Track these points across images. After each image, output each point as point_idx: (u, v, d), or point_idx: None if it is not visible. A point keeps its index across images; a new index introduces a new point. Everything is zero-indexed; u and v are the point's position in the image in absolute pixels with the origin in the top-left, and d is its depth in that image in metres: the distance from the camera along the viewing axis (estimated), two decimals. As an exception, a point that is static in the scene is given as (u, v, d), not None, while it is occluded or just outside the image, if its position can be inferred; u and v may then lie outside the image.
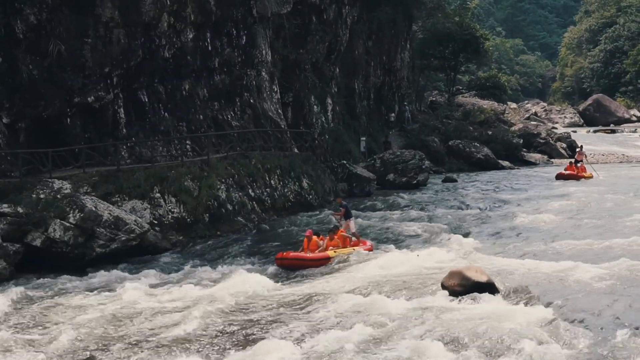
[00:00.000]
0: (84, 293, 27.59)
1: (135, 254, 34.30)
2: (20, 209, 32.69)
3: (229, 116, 49.68)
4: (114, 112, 42.12)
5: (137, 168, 39.56)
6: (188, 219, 38.71)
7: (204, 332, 21.59)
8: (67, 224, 32.75)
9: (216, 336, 21.22)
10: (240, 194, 42.88)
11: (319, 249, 31.82)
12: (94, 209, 33.53)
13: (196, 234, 38.60)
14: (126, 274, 30.91)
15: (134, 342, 20.97)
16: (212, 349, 20.10)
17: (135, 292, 26.92)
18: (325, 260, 31.18)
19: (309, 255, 31.25)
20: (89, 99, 40.21)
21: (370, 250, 33.05)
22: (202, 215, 39.54)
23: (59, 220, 32.73)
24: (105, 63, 40.65)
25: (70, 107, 39.90)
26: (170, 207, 38.21)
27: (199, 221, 39.20)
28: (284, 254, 31.28)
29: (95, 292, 27.87)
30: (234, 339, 20.87)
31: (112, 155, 40.42)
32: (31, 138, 38.66)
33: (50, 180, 35.28)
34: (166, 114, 45.22)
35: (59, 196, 34.00)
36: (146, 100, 44.18)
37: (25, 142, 38.33)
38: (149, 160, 41.21)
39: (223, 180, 42.19)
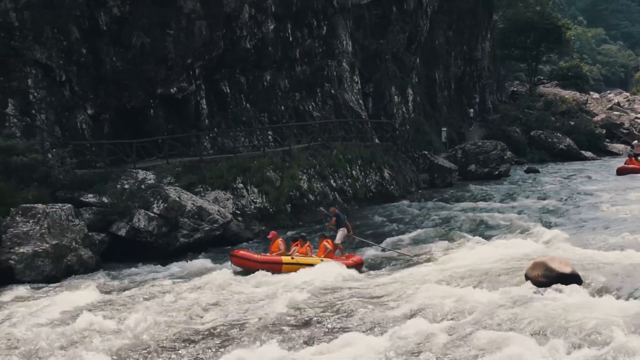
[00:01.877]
0: (168, 282, 27.63)
1: (218, 244, 34.28)
2: (105, 199, 32.96)
3: (310, 107, 49.53)
4: (196, 103, 42.38)
5: (219, 158, 39.75)
6: (270, 209, 38.66)
7: (286, 322, 21.29)
8: (152, 214, 32.93)
9: (298, 326, 20.91)
10: (321, 184, 42.69)
11: (278, 252, 29.32)
12: (177, 199, 33.65)
13: (278, 224, 38.46)
14: (209, 264, 30.80)
15: (216, 331, 20.81)
16: (294, 339, 19.78)
17: (219, 282, 26.74)
18: (276, 265, 28.25)
19: (257, 256, 28.79)
20: (171, 90, 40.61)
21: (350, 265, 28.73)
22: (284, 205, 39.47)
23: (143, 210, 32.98)
24: (187, 54, 40.88)
25: (153, 98, 40.31)
26: (252, 197, 38.20)
27: (281, 211, 39.12)
28: (236, 251, 29.41)
29: (179, 281, 27.89)
30: (315, 330, 20.56)
31: (194, 146, 40.68)
32: (115, 129, 39.16)
33: (134, 170, 35.55)
34: (248, 104, 45.34)
35: (143, 186, 34.28)
36: (228, 91, 44.36)
37: (109, 133, 38.82)
38: (231, 151, 41.30)
39: (305, 170, 42.08)
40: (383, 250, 32.71)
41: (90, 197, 32.89)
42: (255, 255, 28.74)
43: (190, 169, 37.48)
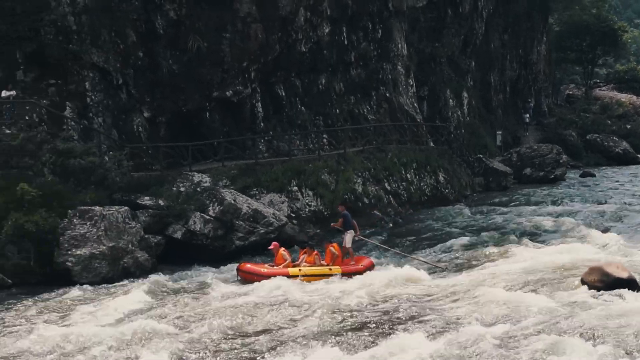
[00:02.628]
0: (223, 284, 27.45)
1: (272, 247, 34.04)
2: (161, 202, 33.01)
3: (365, 110, 49.30)
4: (252, 106, 42.38)
5: (274, 161, 39.67)
6: (325, 212, 38.40)
7: (342, 326, 21.10)
8: (207, 217, 32.87)
9: (353, 330, 20.71)
10: (376, 187, 42.42)
11: (284, 263, 28.20)
12: (233, 202, 33.56)
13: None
14: (264, 266, 30.61)
15: (271, 333, 20.68)
16: (349, 342, 19.57)
17: (274, 284, 26.56)
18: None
19: (264, 270, 27.63)
20: (227, 93, 40.65)
21: (360, 271, 28.08)
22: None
23: (199, 212, 32.91)
24: (243, 57, 40.89)
25: (209, 101, 40.35)
26: (307, 200, 38.04)
27: (336, 214, 38.70)
28: (243, 265, 28.42)
29: (234, 283, 27.79)
30: (371, 334, 20.33)
31: (250, 149, 40.72)
32: (171, 132, 39.26)
33: (190, 173, 35.61)
34: (303, 107, 45.24)
35: (199, 189, 34.27)
36: (283, 94, 44.30)
37: (165, 136, 38.92)
38: (287, 154, 41.22)
39: (359, 173, 41.85)
40: (406, 257, 31.74)
41: (146, 200, 32.96)
42: (262, 270, 27.65)
43: (246, 171, 37.41)
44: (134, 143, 37.00)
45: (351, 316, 21.98)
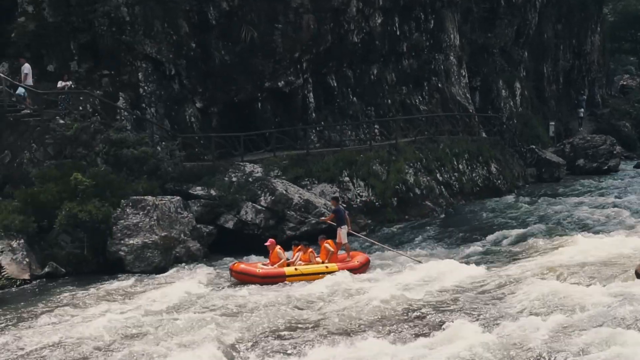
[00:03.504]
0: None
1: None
2: (213, 192, 33.06)
3: (416, 100, 48.94)
4: (304, 97, 42.27)
5: (326, 152, 39.54)
6: (376, 203, 38.23)
7: (395, 317, 20.89)
8: (259, 207, 32.90)
9: (407, 321, 20.49)
10: (428, 178, 42.08)
11: (280, 262, 26.83)
12: (284, 192, 33.54)
13: (384, 218, 38.10)
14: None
15: (324, 323, 20.52)
16: (401, 333, 19.39)
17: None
18: (279, 279, 25.92)
19: (258, 271, 26.24)
20: (279, 83, 40.57)
21: (357, 267, 27.09)
22: (390, 199, 38.97)
23: (250, 202, 32.98)
24: (295, 48, 40.74)
25: (261, 91, 40.31)
26: (358, 191, 37.83)
27: (387, 205, 38.64)
28: (235, 264, 26.88)
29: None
30: (424, 324, 20.11)
31: (301, 139, 40.56)
32: (223, 122, 39.33)
33: (242, 163, 35.66)
34: (354, 98, 45.00)
35: (250, 179, 34.31)
36: (335, 84, 44.09)
37: (217, 126, 38.99)
38: (338, 144, 41.08)
39: (411, 164, 41.53)
40: (389, 250, 31.08)
41: (198, 190, 33.07)
42: (256, 270, 26.25)
43: (297, 162, 37.32)
44: (186, 133, 37.14)
45: (403, 306, 21.73)
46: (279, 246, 27.46)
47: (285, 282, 25.72)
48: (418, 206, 40.30)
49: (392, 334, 19.20)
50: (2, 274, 27.61)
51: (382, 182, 38.92)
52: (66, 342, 19.60)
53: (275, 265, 26.64)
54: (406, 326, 19.88)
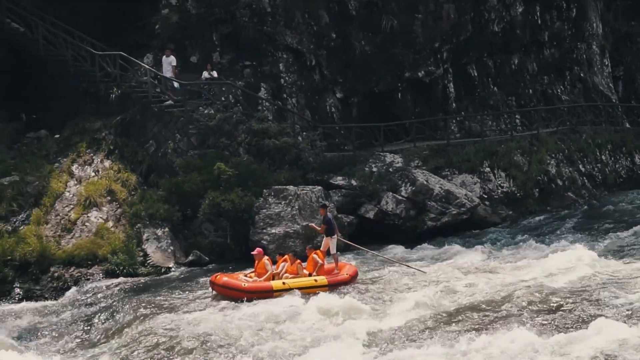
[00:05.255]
0: (415, 264, 27.00)
1: (464, 228, 33.42)
2: (354, 182, 32.83)
3: (558, 90, 47.53)
4: (444, 87, 41.67)
5: (466, 142, 38.85)
6: (518, 194, 37.22)
7: (536, 308, 20.10)
8: (399, 197, 32.49)
9: (548, 312, 19.67)
10: (570, 169, 40.77)
11: (266, 274, 23.95)
12: (425, 182, 33.05)
13: (525, 209, 37.09)
14: (457, 247, 29.95)
15: (466, 313, 20.00)
16: (545, 325, 18.66)
17: (467, 265, 26.11)
18: (266, 293, 23.06)
19: (244, 285, 23.31)
20: (419, 73, 40.09)
21: (346, 280, 24.40)
22: (532, 190, 37.89)
23: (391, 193, 32.59)
24: (435, 38, 40.22)
25: (401, 81, 39.88)
26: (499, 182, 36.92)
27: (529, 196, 37.57)
28: (217, 277, 23.81)
29: (426, 263, 27.28)
30: (566, 316, 19.28)
31: (441, 130, 40.06)
32: (363, 112, 39.01)
33: (382, 153, 35.39)
34: (495, 88, 44.14)
35: (391, 169, 34.00)
36: (475, 74, 43.23)
37: (357, 117, 38.74)
38: (479, 135, 40.26)
39: (553, 155, 40.33)
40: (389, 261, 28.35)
41: (339, 180, 32.89)
42: (241, 284, 23.29)
43: (438, 152, 36.84)
44: (327, 123, 37.09)
45: (545, 298, 20.91)
46: (266, 257, 24.57)
47: (273, 296, 22.94)
48: (560, 197, 39.14)
49: (533, 327, 18.51)
50: (148, 261, 27.97)
51: (523, 173, 37.91)
52: (215, 331, 19.69)
53: (262, 278, 23.84)
54: (548, 318, 19.17)
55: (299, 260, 24.57)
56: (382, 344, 18.24)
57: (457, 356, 16.74)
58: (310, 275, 24.25)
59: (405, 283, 24.11)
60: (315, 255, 24.78)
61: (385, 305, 21.42)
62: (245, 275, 24.22)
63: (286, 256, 24.74)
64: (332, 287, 23.72)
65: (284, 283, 23.46)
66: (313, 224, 27.37)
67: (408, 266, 26.47)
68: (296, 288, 23.23)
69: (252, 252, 24.80)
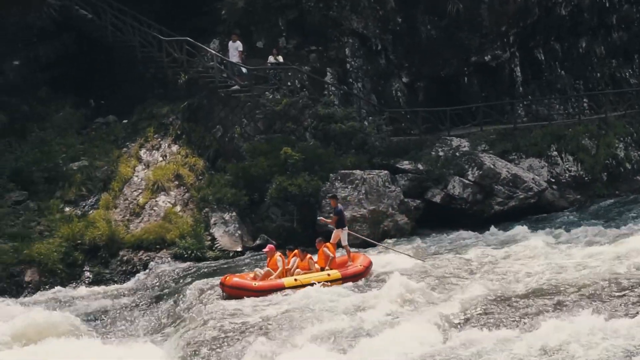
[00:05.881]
0: (483, 248, 26.57)
1: (531, 212, 32.85)
2: (420, 166, 32.54)
3: (626, 73, 46.43)
4: (510, 71, 41.02)
5: (533, 126, 38.19)
6: (586, 178, 36.54)
7: (603, 292, 19.50)
8: (466, 181, 32.11)
9: (616, 297, 19.06)
10: (638, 152, 39.80)
11: (277, 271, 22.82)
12: (492, 166, 32.61)
13: (594, 193, 36.42)
14: (524, 231, 29.28)
15: (532, 298, 19.51)
16: (612, 309, 18.08)
17: (535, 249, 25.42)
18: (278, 292, 22.07)
19: (255, 284, 22.24)
20: (485, 57, 39.54)
21: (360, 272, 23.42)
22: (600, 174, 37.15)
23: (457, 177, 32.23)
24: (501, 22, 39.56)
25: (467, 66, 39.38)
26: (567, 166, 36.27)
27: (597, 180, 36.86)
28: (226, 278, 22.47)
29: (494, 248, 26.77)
30: (634, 301, 18.62)
31: (508, 114, 39.44)
32: (429, 97, 38.54)
33: (448, 138, 34.99)
34: (562, 72, 43.27)
35: (457, 154, 33.60)
36: (542, 58, 42.44)
37: (423, 101, 38.29)
38: (546, 119, 39.57)
39: (621, 138, 39.42)
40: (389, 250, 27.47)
41: (405, 164, 32.63)
42: (252, 284, 22.26)
43: (504, 136, 36.32)
44: (393, 108, 36.76)
45: (613, 282, 20.27)
46: (278, 253, 23.44)
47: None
48: (629, 181, 38.34)
49: (598, 311, 17.91)
50: (215, 245, 27.96)
51: (591, 157, 37.21)
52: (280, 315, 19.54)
53: (273, 276, 22.73)
54: (615, 302, 18.59)
55: (309, 255, 23.66)
56: (456, 327, 17.98)
57: (532, 340, 16.29)
58: (322, 269, 23.31)
59: (469, 268, 23.69)
60: (325, 249, 23.78)
61: (454, 290, 21.00)
62: (260, 270, 23.13)
63: (296, 251, 23.59)
64: (345, 280, 22.74)
65: (295, 280, 22.46)
66: (323, 218, 26.42)
67: (407, 254, 25.65)
68: (308, 284, 22.19)
69: (264, 250, 24.18)
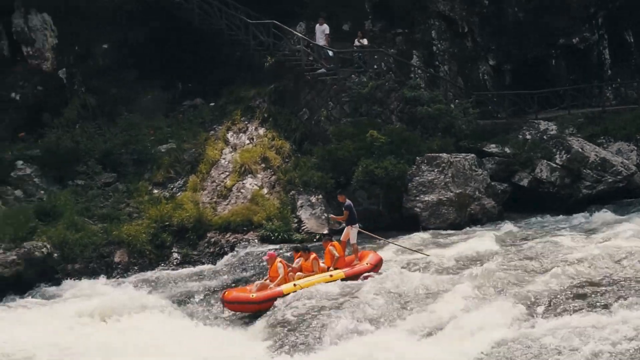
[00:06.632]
0: (571, 233, 26.08)
1: (620, 196, 31.86)
2: (507, 150, 32.07)
3: None
4: (599, 53, 40.09)
5: (622, 109, 37.09)
6: (677, 162, 35.34)
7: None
8: (554, 165, 31.37)
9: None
10: None
11: (277, 279, 21.44)
12: (580, 150, 31.79)
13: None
14: (613, 216, 28.71)
15: (613, 285, 18.89)
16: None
17: (624, 234, 24.69)
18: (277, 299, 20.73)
19: (253, 296, 20.94)
20: (573, 40, 38.83)
21: (367, 270, 22.16)
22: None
23: (545, 160, 31.53)
24: (589, 4, 38.97)
25: (555, 48, 38.72)
26: (657, 149, 35.18)
27: (689, 164, 35.68)
28: (227, 294, 21.40)
29: (582, 232, 26.24)
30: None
31: (596, 97, 38.48)
32: (516, 80, 38.04)
33: (535, 121, 34.36)
34: (652, 54, 42.05)
35: (545, 137, 32.91)
36: (632, 40, 41.24)
37: (510, 84, 37.86)
38: (635, 102, 38.47)
39: None
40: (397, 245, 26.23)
41: (492, 147, 32.20)
42: (249, 296, 21.01)
43: (593, 120, 35.44)
44: (479, 91, 36.38)
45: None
46: (279, 259, 22.16)
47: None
48: None
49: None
50: (302, 228, 27.83)
51: (684, 142, 35.99)
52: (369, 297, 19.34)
53: (273, 285, 21.43)
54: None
55: (314, 255, 22.33)
56: (536, 312, 17.65)
57: (616, 325, 15.88)
58: (328, 269, 22.19)
59: (551, 250, 23.02)
60: (332, 248, 22.58)
61: (536, 275, 20.45)
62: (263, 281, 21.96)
63: (300, 252, 22.55)
64: (349, 279, 21.57)
65: (295, 285, 21.17)
66: (333, 215, 25.71)
67: (417, 251, 24.50)
68: (308, 287, 21.01)
69: (264, 258, 23.27)
